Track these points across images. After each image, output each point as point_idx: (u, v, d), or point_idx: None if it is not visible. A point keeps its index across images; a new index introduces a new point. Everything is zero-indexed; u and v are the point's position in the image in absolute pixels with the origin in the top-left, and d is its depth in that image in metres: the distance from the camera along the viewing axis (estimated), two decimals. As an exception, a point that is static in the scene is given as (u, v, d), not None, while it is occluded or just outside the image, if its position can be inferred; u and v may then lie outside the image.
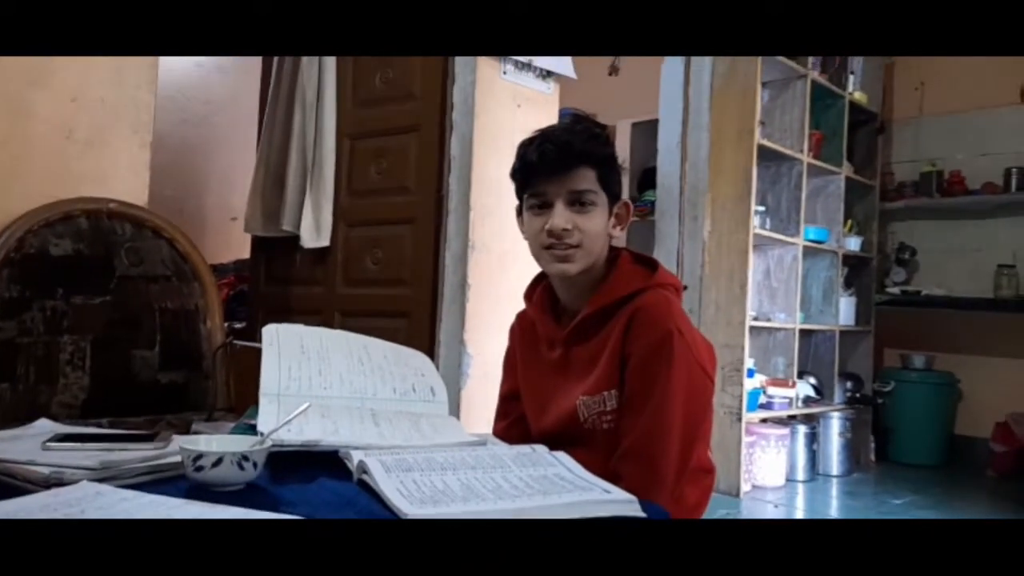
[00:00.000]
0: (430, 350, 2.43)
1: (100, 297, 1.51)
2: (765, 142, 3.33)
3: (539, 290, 1.24)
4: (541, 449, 0.98)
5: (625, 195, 1.21)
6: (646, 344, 1.05)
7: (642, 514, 0.80)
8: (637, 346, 1.06)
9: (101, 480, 0.80)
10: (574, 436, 1.11)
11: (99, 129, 1.70)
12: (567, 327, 1.16)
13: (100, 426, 1.30)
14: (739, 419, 3.16)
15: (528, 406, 1.24)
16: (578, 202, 1.09)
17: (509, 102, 2.53)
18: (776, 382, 3.53)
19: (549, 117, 2.57)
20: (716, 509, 2.92)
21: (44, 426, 1.02)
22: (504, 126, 2.48)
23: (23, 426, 1.01)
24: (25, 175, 1.56)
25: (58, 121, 1.64)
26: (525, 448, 0.99)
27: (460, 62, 2.47)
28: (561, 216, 1.09)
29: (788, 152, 3.50)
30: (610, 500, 0.81)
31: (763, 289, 3.68)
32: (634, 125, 4.46)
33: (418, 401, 1.17)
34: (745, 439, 3.20)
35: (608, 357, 1.09)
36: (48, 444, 0.90)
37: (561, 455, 0.95)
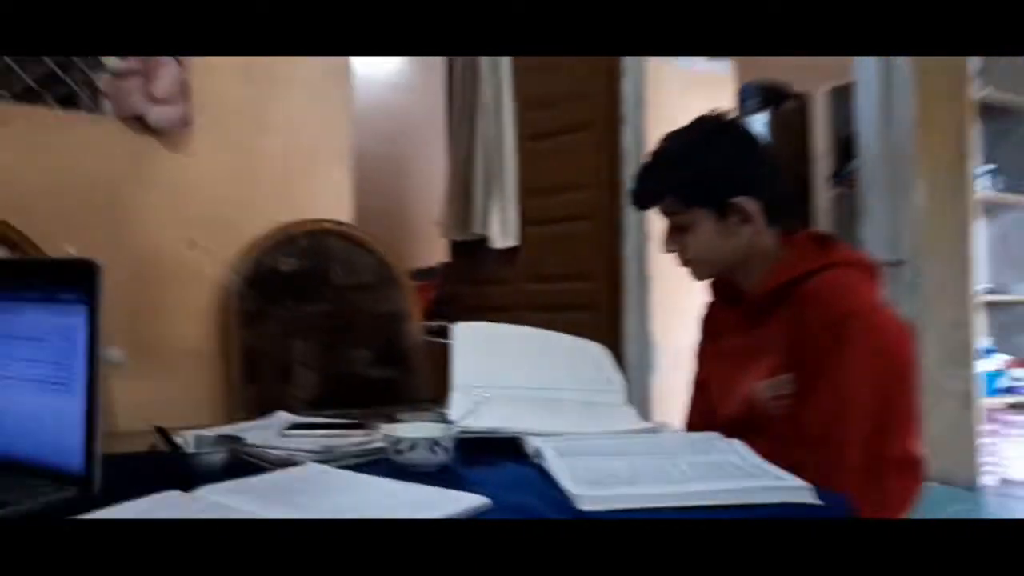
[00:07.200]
0: (615, 342, 2.47)
1: (321, 305, 1.74)
2: (988, 92, 2.93)
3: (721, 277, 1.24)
4: (716, 436, 0.99)
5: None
6: (819, 327, 1.01)
7: (817, 501, 0.79)
8: (810, 329, 1.03)
9: (323, 462, 0.94)
10: (753, 423, 1.09)
11: (308, 162, 1.97)
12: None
13: (325, 417, 1.50)
14: (968, 405, 2.83)
15: (715, 394, 1.24)
16: (675, 225, 1.14)
17: (681, 88, 2.49)
18: (1020, 362, 3.10)
19: (726, 96, 2.48)
20: (945, 505, 2.64)
21: (282, 417, 1.22)
22: (677, 112, 2.43)
23: (266, 417, 1.21)
24: (253, 204, 1.86)
25: (276, 157, 1.93)
26: (700, 436, 1.01)
27: (628, 54, 2.47)
28: (666, 240, 1.16)
29: (1018, 101, 3.05)
30: (780, 487, 0.80)
31: (1000, 257, 3.24)
32: (834, 90, 4.11)
33: (595, 391, 1.23)
34: (985, 427, 2.86)
35: (783, 340, 1.07)
36: (284, 432, 1.08)
37: (736, 442, 0.95)
